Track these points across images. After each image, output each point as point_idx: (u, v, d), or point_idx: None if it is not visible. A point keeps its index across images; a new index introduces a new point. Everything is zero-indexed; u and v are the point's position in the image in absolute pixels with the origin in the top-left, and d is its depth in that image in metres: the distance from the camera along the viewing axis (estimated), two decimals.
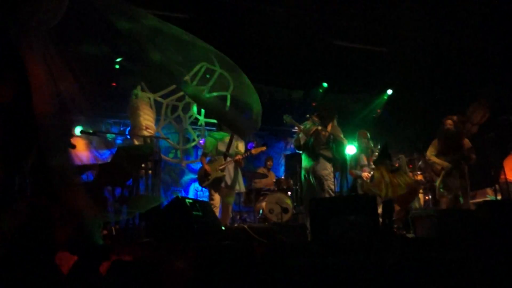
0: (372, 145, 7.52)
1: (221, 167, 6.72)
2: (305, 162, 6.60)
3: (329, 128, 6.57)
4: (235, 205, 7.99)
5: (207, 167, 6.71)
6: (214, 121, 7.70)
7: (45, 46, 3.94)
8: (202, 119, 7.21)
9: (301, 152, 6.80)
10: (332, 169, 6.51)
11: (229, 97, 6.40)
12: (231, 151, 6.83)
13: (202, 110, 7.11)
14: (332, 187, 6.41)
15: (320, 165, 6.45)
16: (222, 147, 6.83)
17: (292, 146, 7.05)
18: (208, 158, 6.96)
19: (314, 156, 6.48)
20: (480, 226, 5.07)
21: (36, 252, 3.06)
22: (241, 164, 6.96)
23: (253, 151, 7.20)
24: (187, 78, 6.13)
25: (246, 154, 7.04)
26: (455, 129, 6.79)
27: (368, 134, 7.71)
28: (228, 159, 6.78)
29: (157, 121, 7.06)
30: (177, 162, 7.86)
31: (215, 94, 6.51)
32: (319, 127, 6.53)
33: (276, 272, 3.32)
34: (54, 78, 3.90)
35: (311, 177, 6.47)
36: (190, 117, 7.27)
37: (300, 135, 6.69)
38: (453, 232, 5.34)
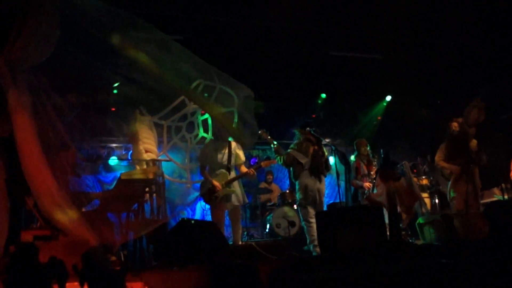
0: (371, 154, 7.48)
1: (228, 182, 6.36)
2: (307, 179, 6.51)
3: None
4: (241, 221, 7.91)
5: (216, 183, 6.30)
6: None
7: (40, 79, 3.99)
8: (209, 137, 7.03)
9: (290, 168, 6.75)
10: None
11: (236, 112, 6.25)
12: (232, 162, 6.49)
13: (210, 128, 6.93)
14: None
15: (323, 183, 6.58)
16: (222, 159, 6.48)
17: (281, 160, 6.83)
18: (207, 168, 6.55)
19: (318, 174, 6.51)
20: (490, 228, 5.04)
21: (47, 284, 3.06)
22: (255, 177, 6.89)
23: (263, 164, 7.10)
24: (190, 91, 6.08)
25: (256, 167, 6.96)
26: (461, 131, 6.68)
27: (367, 143, 7.68)
28: (233, 173, 6.47)
29: (160, 143, 6.97)
30: (184, 182, 7.74)
31: (223, 110, 6.38)
32: (316, 147, 6.56)
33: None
34: (48, 111, 3.94)
35: (316, 195, 6.45)
36: (196, 136, 7.06)
37: (289, 151, 6.62)
38: (463, 236, 5.31)
